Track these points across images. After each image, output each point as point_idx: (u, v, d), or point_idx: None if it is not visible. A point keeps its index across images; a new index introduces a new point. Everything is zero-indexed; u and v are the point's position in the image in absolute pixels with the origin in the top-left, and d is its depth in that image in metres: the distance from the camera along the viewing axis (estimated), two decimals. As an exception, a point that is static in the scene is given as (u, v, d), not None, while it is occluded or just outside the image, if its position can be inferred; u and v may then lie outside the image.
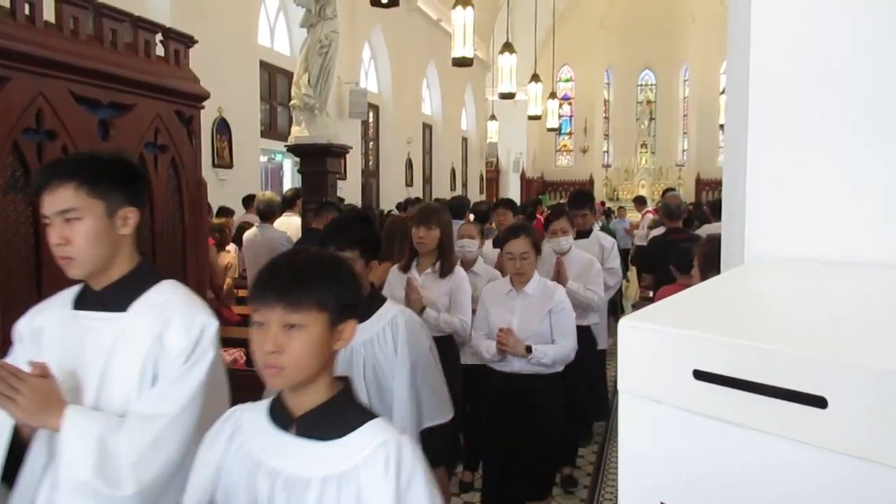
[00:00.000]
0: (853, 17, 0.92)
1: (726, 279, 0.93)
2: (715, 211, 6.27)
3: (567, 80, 26.81)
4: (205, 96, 3.10)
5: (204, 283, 3.09)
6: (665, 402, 0.72)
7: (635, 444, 0.76)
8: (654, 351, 0.73)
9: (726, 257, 1.21)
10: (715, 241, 3.05)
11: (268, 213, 5.65)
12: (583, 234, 4.66)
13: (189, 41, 3.06)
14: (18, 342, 1.59)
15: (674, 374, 0.71)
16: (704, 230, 5.66)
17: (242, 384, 4.85)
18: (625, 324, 0.76)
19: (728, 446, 0.66)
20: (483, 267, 4.05)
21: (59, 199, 1.43)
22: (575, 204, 4.93)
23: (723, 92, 19.43)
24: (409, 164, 15.29)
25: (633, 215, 13.81)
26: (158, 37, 2.92)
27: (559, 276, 3.86)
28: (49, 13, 2.42)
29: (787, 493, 0.60)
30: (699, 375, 0.69)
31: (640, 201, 12.91)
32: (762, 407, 0.63)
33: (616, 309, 6.08)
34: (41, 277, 2.30)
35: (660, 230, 6.29)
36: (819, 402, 0.59)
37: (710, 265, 2.92)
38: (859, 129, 0.92)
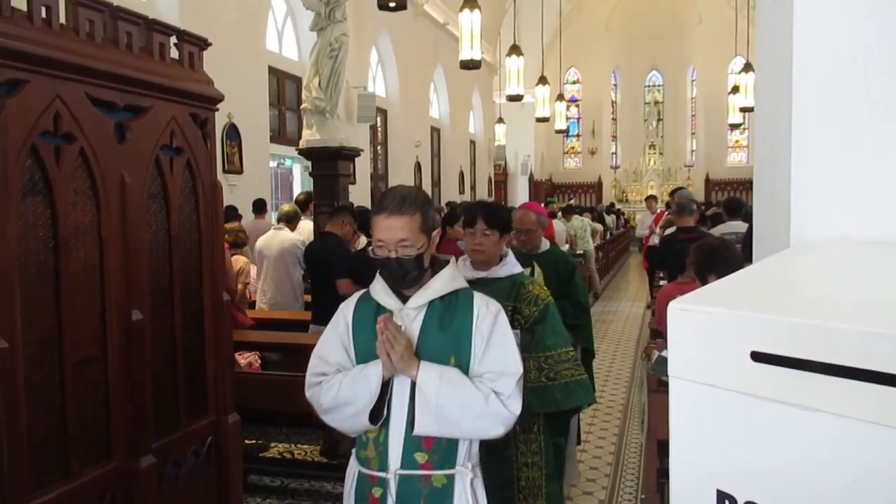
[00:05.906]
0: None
1: (776, 261, 0.90)
2: (728, 210, 6.21)
3: (574, 83, 26.78)
4: (219, 98, 3.09)
5: (219, 285, 3.08)
6: (720, 386, 0.70)
7: (688, 431, 0.74)
8: (708, 334, 0.71)
9: (762, 244, 1.18)
10: (708, 243, 3.03)
11: (291, 217, 6.06)
12: None
13: (203, 44, 3.05)
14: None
15: (729, 356, 0.69)
16: (718, 230, 5.61)
17: (258, 387, 4.83)
18: (675, 307, 0.74)
19: (791, 429, 0.64)
20: None
21: None
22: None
23: (731, 92, 19.37)
24: (418, 168, 15.29)
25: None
26: (173, 39, 2.91)
27: None
28: (63, 17, 2.41)
29: (862, 476, 0.58)
30: (757, 357, 0.67)
31: (652, 199, 12.76)
32: (828, 387, 0.61)
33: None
34: (59, 281, 2.29)
35: (672, 229, 6.25)
36: (893, 381, 0.56)
37: (704, 268, 2.91)
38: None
